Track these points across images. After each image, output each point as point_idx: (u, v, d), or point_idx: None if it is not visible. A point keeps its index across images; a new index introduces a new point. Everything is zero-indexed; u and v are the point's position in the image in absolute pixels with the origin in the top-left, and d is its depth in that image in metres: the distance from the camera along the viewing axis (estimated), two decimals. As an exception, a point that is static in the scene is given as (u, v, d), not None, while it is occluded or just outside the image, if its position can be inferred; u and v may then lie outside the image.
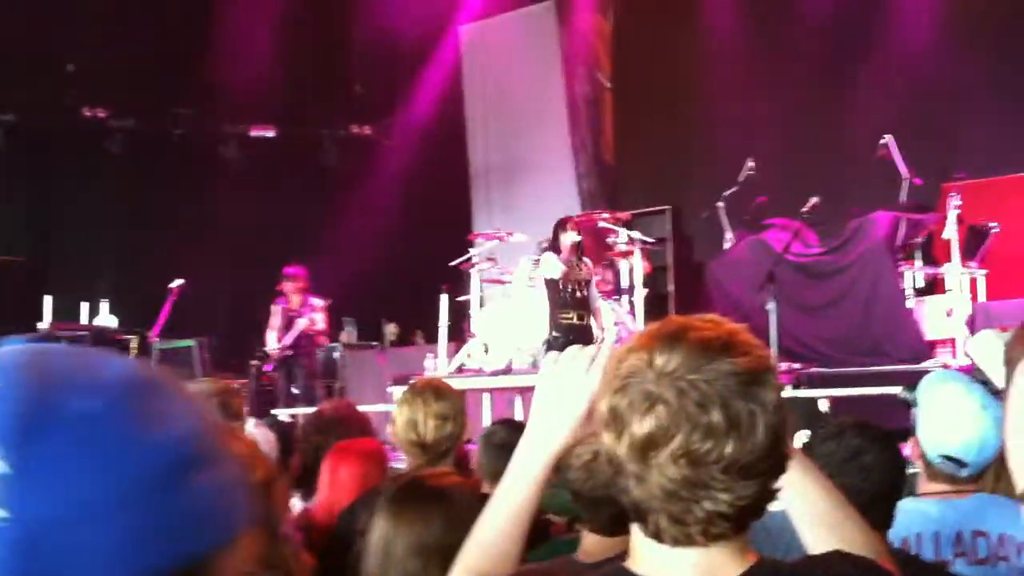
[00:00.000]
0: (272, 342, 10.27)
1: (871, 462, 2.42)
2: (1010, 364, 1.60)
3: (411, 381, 3.77)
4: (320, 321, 10.32)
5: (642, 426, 1.27)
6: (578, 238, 7.98)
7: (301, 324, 10.11)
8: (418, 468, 2.95)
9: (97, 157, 13.54)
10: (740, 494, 1.26)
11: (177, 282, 10.15)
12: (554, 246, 7.98)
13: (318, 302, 10.27)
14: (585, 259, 8.15)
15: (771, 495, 1.32)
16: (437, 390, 3.19)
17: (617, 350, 1.39)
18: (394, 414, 3.25)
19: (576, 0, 13.49)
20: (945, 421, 2.64)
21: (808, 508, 1.60)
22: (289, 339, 10.15)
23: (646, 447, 1.26)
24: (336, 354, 11.36)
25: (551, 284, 7.97)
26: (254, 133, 14.25)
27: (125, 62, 13.01)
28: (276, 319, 10.28)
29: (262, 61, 13.41)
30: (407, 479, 2.26)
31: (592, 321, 8.01)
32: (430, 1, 14.09)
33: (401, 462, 3.56)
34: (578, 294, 7.95)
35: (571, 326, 7.81)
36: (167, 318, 10.18)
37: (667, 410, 1.26)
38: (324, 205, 13.77)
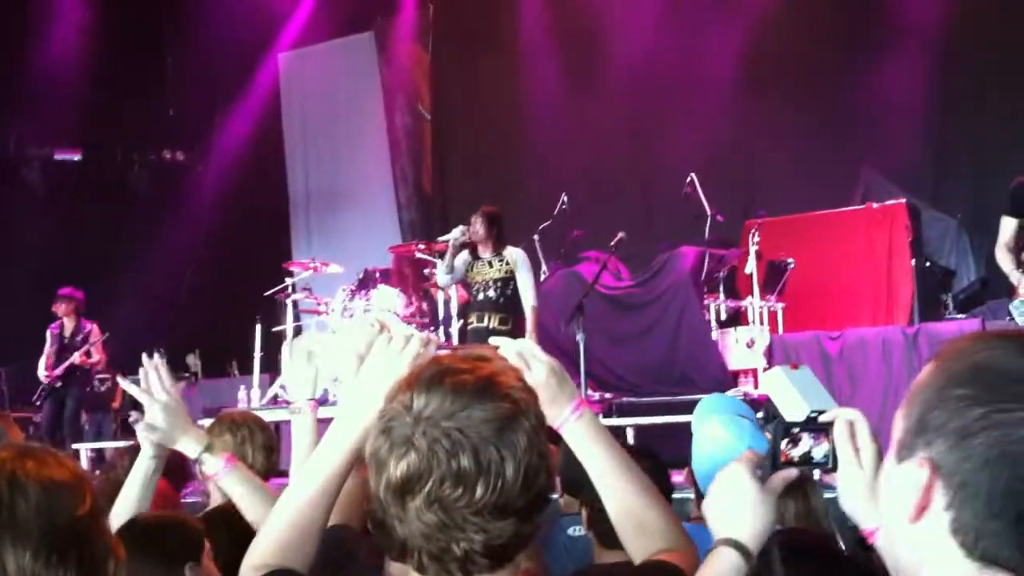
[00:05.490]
0: (41, 369, 9.73)
1: None
2: None
3: (221, 413, 3.61)
4: (95, 352, 9.87)
5: (397, 470, 1.29)
6: None
7: (75, 358, 9.67)
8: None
9: None
10: (494, 534, 1.29)
11: None
12: None
13: (94, 331, 9.82)
14: None
15: (531, 530, 1.34)
16: (258, 422, 3.09)
17: (392, 385, 1.40)
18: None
19: (395, 31, 13.54)
20: (711, 450, 2.82)
21: (616, 505, 1.70)
22: (60, 369, 9.65)
23: (401, 491, 1.29)
24: (143, 386, 10.92)
25: None
26: (59, 156, 13.62)
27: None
28: (48, 345, 9.79)
29: (70, 81, 12.85)
30: (132, 521, 2.22)
31: None
32: (248, 27, 13.81)
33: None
34: None
35: None
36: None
37: (419, 456, 1.28)
38: (133, 232, 13.23)
